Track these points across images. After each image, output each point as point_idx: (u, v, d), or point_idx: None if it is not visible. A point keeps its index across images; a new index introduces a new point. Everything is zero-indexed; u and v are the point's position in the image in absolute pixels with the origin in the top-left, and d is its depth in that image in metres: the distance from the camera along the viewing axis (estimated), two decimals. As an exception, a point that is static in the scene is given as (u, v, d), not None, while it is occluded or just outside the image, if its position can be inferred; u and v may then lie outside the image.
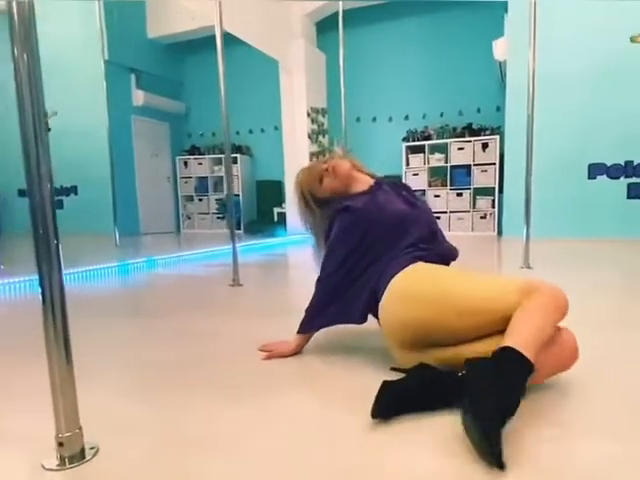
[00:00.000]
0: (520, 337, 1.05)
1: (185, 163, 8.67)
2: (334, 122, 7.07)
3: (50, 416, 0.93)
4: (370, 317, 1.47)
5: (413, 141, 7.03)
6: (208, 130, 8.72)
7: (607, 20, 5.22)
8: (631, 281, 3.04)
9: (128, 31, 7.22)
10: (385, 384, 1.09)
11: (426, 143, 6.91)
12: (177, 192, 8.78)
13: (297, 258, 4.84)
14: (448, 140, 6.80)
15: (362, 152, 6.96)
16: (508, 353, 1.02)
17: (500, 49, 5.98)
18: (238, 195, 8.06)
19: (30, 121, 0.85)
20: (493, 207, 6.58)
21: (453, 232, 6.57)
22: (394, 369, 1.22)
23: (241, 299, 2.73)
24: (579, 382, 1.26)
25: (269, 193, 8.21)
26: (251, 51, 6.19)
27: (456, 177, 6.77)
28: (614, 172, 5.37)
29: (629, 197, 5.34)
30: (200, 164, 8.56)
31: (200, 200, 8.65)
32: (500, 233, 6.34)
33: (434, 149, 6.91)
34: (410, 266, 1.36)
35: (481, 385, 0.97)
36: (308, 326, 1.54)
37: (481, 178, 6.62)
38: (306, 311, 1.54)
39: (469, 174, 6.68)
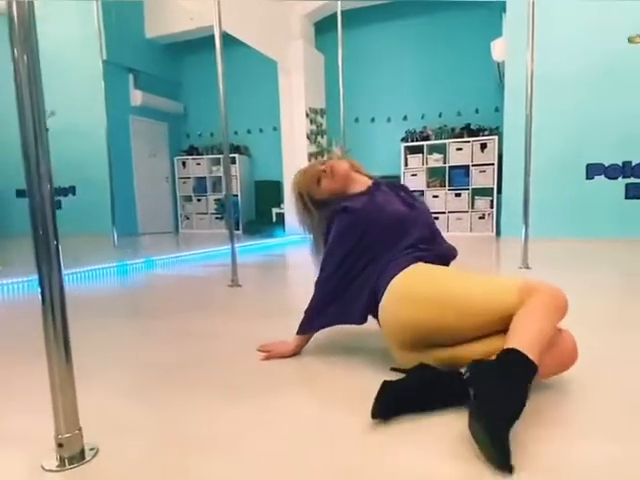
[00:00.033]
0: (523, 338, 1.05)
1: (183, 163, 8.66)
2: (333, 122, 7.07)
3: (50, 417, 0.93)
4: (370, 318, 1.47)
5: (412, 141, 7.03)
6: (206, 130, 8.71)
7: (605, 21, 5.24)
8: (629, 281, 3.05)
9: (126, 31, 7.22)
10: (385, 384, 1.10)
11: (425, 143, 6.92)
12: (175, 192, 8.77)
13: (296, 258, 4.84)
14: (447, 140, 6.81)
15: (361, 152, 6.97)
16: (512, 355, 1.02)
17: (498, 50, 5.99)
18: (236, 195, 8.06)
19: (30, 121, 0.85)
20: (492, 207, 6.59)
21: (452, 232, 6.57)
22: (394, 369, 1.22)
23: (240, 300, 2.73)
24: (578, 382, 1.26)
25: (267, 193, 8.21)
26: (249, 51, 6.18)
27: (455, 177, 6.78)
28: (612, 172, 5.39)
29: (627, 197, 5.36)
30: (198, 164, 8.55)
31: (198, 200, 8.64)
32: (498, 233, 6.35)
33: (432, 149, 6.91)
34: (410, 267, 1.36)
35: (487, 388, 0.97)
36: (307, 327, 1.54)
37: (479, 178, 6.62)
38: (305, 312, 1.54)
39: (467, 174, 6.69)
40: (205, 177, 8.53)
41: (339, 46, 4.86)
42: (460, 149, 6.71)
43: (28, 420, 1.17)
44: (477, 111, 6.96)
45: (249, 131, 8.50)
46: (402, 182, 6.82)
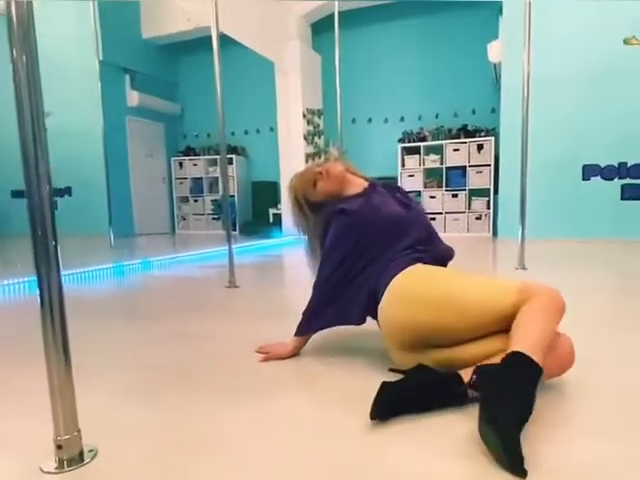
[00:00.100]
0: (527, 341, 1.06)
1: (180, 164, 8.64)
2: (330, 123, 7.08)
3: (48, 418, 0.93)
4: (368, 319, 1.47)
5: (409, 142, 7.05)
6: (203, 131, 8.70)
7: (601, 22, 5.26)
8: (625, 282, 3.06)
9: (123, 31, 7.20)
10: (384, 385, 1.10)
11: (421, 144, 6.93)
12: (172, 193, 8.75)
13: (293, 259, 4.84)
14: (443, 141, 6.82)
15: (358, 153, 6.99)
16: (518, 358, 1.03)
17: (495, 51, 6.01)
18: (233, 196, 8.04)
19: (29, 122, 0.85)
20: (488, 208, 6.60)
21: (448, 233, 6.58)
22: (392, 370, 1.23)
23: (238, 301, 2.73)
24: (576, 383, 1.27)
25: (264, 194, 8.21)
26: (246, 52, 6.18)
27: (451, 178, 6.79)
28: (608, 173, 5.42)
29: (623, 198, 5.38)
30: (195, 165, 8.54)
31: (195, 201, 8.62)
32: (495, 234, 6.37)
33: (429, 150, 6.93)
34: (409, 268, 1.36)
35: (496, 391, 0.97)
36: (306, 328, 1.54)
37: (476, 179, 6.64)
38: (303, 314, 1.54)
39: (464, 175, 6.70)
40: (202, 178, 8.52)
41: (336, 47, 4.86)
42: (457, 150, 6.73)
43: (27, 421, 1.16)
44: (474, 112, 6.99)
45: (246, 132, 8.49)
46: (399, 183, 6.84)
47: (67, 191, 7.63)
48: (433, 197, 6.89)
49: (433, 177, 6.95)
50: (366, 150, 7.48)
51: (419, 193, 6.90)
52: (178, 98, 8.80)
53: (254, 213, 8.40)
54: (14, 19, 0.83)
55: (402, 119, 7.45)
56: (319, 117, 7.49)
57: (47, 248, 0.89)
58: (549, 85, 5.39)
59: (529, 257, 3.47)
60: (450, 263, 1.57)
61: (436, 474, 0.89)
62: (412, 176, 7.00)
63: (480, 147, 6.60)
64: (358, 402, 1.15)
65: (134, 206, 7.90)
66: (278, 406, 1.20)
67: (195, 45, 7.68)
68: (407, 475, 0.89)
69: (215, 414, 1.17)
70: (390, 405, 1.08)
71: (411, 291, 1.30)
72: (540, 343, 1.06)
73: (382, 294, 1.35)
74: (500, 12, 5.81)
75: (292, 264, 4.64)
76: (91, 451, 0.97)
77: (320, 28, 7.28)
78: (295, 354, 1.57)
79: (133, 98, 7.69)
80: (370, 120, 7.66)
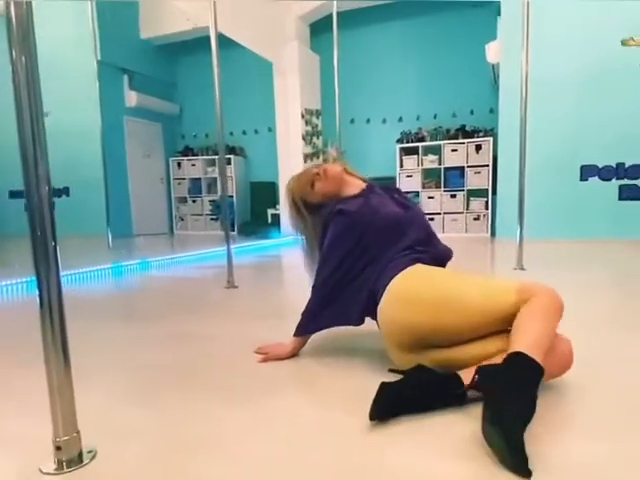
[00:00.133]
0: (528, 341, 1.06)
1: (178, 164, 8.63)
2: (328, 123, 7.08)
3: (48, 419, 0.93)
4: (367, 319, 1.48)
5: (407, 143, 7.05)
6: (201, 131, 8.69)
7: (599, 23, 5.27)
8: (624, 282, 3.07)
9: (121, 32, 7.19)
10: (383, 385, 1.10)
11: (420, 145, 6.93)
12: (170, 193, 8.74)
13: (291, 259, 4.83)
14: (442, 142, 6.82)
15: (356, 154, 6.99)
16: (519, 358, 1.03)
17: (493, 52, 6.02)
18: (232, 196, 8.03)
19: (28, 122, 0.85)
20: (486, 208, 6.61)
21: (447, 233, 6.59)
22: (392, 370, 1.23)
23: (236, 301, 2.72)
24: (576, 382, 1.27)
25: (263, 194, 8.20)
26: (245, 52, 6.18)
27: (450, 179, 6.80)
28: (606, 174, 5.43)
29: (620, 199, 5.40)
30: (193, 165, 8.53)
31: (194, 201, 8.61)
32: (493, 234, 6.37)
33: (428, 151, 6.93)
34: (408, 268, 1.36)
35: (498, 392, 0.97)
36: (304, 329, 1.54)
37: (474, 180, 6.65)
38: (302, 314, 1.54)
39: (463, 176, 6.71)
40: (200, 178, 8.51)
41: (335, 47, 4.86)
42: (455, 150, 6.73)
43: (26, 422, 1.16)
44: (472, 112, 6.99)
45: (244, 132, 8.49)
46: (397, 183, 6.85)
47: (65, 191, 7.61)
48: (431, 197, 6.90)
49: (431, 177, 6.96)
50: (364, 150, 7.48)
51: (417, 193, 6.91)
52: (176, 98, 8.79)
53: (252, 213, 8.39)
54: (13, 20, 0.83)
55: (400, 119, 7.46)
56: (317, 117, 7.49)
57: (46, 249, 0.89)
58: (547, 86, 5.40)
59: (527, 257, 3.48)
60: (448, 264, 1.58)
61: (436, 474, 0.89)
62: (410, 176, 7.00)
63: (478, 147, 6.60)
64: (357, 402, 1.15)
65: (132, 206, 7.88)
66: (277, 406, 1.20)
67: (193, 45, 7.67)
68: (407, 475, 0.89)
69: (214, 414, 1.17)
70: (389, 405, 1.08)
71: (410, 292, 1.30)
72: (541, 343, 1.06)
73: (381, 295, 1.35)
74: (498, 13, 5.82)
75: (291, 264, 4.64)
76: (90, 452, 0.97)
77: (318, 28, 7.28)
78: (294, 355, 1.57)
79: (131, 98, 7.68)
80: (368, 120, 7.66)
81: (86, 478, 0.91)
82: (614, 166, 5.39)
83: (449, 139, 6.84)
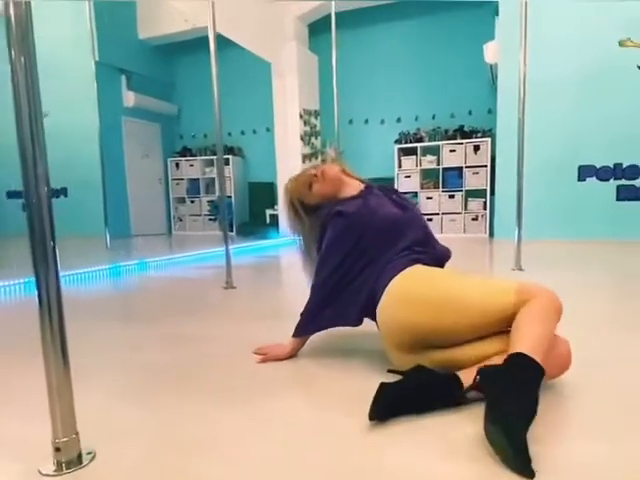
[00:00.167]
0: (529, 342, 1.06)
1: (176, 165, 8.62)
2: (326, 124, 7.08)
3: (47, 420, 0.93)
4: (366, 319, 1.47)
5: (405, 143, 7.05)
6: (200, 131, 8.69)
7: (596, 24, 5.29)
8: (623, 282, 3.08)
9: (119, 32, 7.18)
10: (382, 386, 1.10)
11: (418, 145, 6.94)
12: (168, 194, 8.73)
13: (290, 260, 4.83)
14: (440, 142, 6.83)
15: (354, 154, 6.99)
16: (520, 359, 1.03)
17: (491, 52, 6.03)
18: (230, 197, 8.03)
19: (27, 122, 0.85)
20: (485, 209, 6.62)
21: (445, 234, 6.60)
22: (391, 371, 1.23)
23: (235, 302, 2.72)
24: (576, 382, 1.27)
25: (261, 195, 8.19)
26: (243, 53, 6.18)
27: (448, 179, 6.81)
28: (603, 174, 5.44)
29: (618, 199, 5.41)
30: (192, 166, 8.52)
31: (192, 202, 8.60)
32: (492, 235, 6.38)
33: (426, 151, 6.93)
34: (408, 269, 1.37)
35: (500, 393, 0.97)
36: (303, 330, 1.54)
37: (473, 180, 6.66)
38: (301, 315, 1.53)
39: (461, 176, 6.72)
40: (198, 179, 8.50)
41: (333, 47, 4.87)
42: (453, 151, 6.74)
43: (25, 424, 1.16)
44: (470, 113, 7.00)
45: (243, 132, 8.48)
46: (396, 184, 6.86)
47: (63, 192, 7.60)
48: (430, 198, 6.90)
49: (430, 178, 6.96)
50: (363, 151, 7.49)
51: (416, 194, 6.91)
52: (175, 99, 8.78)
53: (251, 214, 8.38)
54: (12, 20, 0.82)
55: (399, 120, 7.46)
56: (316, 118, 7.49)
57: (45, 249, 0.88)
58: (545, 86, 5.41)
59: (525, 258, 3.48)
60: (447, 264, 1.58)
61: (436, 474, 0.89)
62: (409, 177, 7.00)
63: (477, 148, 6.61)
64: (356, 403, 1.15)
65: (130, 207, 7.88)
66: (275, 407, 1.20)
67: (192, 46, 7.67)
68: (407, 476, 0.89)
69: (212, 415, 1.17)
70: (389, 406, 1.08)
71: (410, 292, 1.31)
72: (541, 344, 1.07)
73: (380, 295, 1.35)
74: (496, 13, 5.82)
75: (289, 265, 4.64)
76: (89, 453, 0.97)
77: (317, 29, 7.28)
78: (293, 355, 1.56)
79: (129, 99, 7.67)
80: (367, 121, 7.67)
81: (85, 479, 0.91)
82: (612, 167, 5.40)
83: (447, 139, 6.84)
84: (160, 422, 1.15)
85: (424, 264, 1.41)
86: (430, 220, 6.63)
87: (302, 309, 1.54)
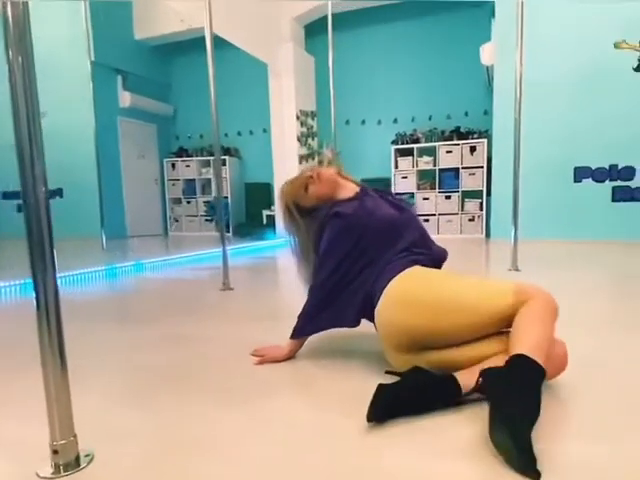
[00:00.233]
0: (529, 343, 1.07)
1: (173, 165, 8.61)
2: (323, 125, 7.09)
3: (44, 423, 0.92)
4: (363, 320, 1.47)
5: (402, 144, 7.06)
6: (196, 132, 8.67)
7: (592, 25, 5.31)
8: (620, 282, 3.09)
9: (115, 32, 7.17)
10: (380, 387, 1.10)
11: (415, 146, 6.95)
12: (164, 194, 8.71)
13: (287, 261, 4.82)
14: (436, 143, 6.85)
15: (351, 155, 7.00)
16: (522, 360, 1.03)
17: (487, 54, 6.05)
18: (227, 198, 8.02)
19: (25, 123, 0.84)
20: (481, 210, 6.63)
21: (442, 235, 6.61)
22: (389, 372, 1.23)
23: (232, 303, 2.71)
24: (575, 383, 1.28)
25: (258, 195, 8.19)
26: (240, 54, 6.17)
27: (444, 180, 6.82)
28: (599, 175, 5.47)
29: (614, 200, 5.43)
30: (188, 166, 8.50)
31: (188, 203, 8.59)
32: (488, 235, 6.40)
33: (423, 152, 6.95)
34: (406, 270, 1.37)
35: (503, 394, 0.97)
36: (301, 331, 1.54)
37: (469, 181, 6.67)
38: (299, 317, 1.53)
39: (457, 177, 6.73)
40: (194, 179, 8.48)
41: (330, 48, 4.87)
42: (450, 152, 6.75)
43: (22, 426, 1.15)
44: (467, 114, 7.02)
45: (239, 133, 8.47)
46: (392, 184, 6.88)
47: (58, 193, 7.56)
48: (426, 199, 6.91)
49: (426, 179, 6.97)
50: (359, 152, 7.50)
51: (412, 195, 6.92)
52: (171, 99, 8.77)
53: (247, 215, 8.38)
54: (10, 20, 0.82)
55: (395, 121, 7.48)
56: (312, 119, 7.49)
57: (43, 250, 0.88)
58: (541, 87, 5.43)
59: (522, 258, 3.49)
60: (443, 265, 1.58)
61: (436, 474, 0.89)
62: (405, 178, 7.01)
63: (473, 149, 6.63)
64: (354, 404, 1.15)
65: (126, 208, 7.85)
66: (273, 409, 1.20)
67: (188, 46, 7.66)
68: (405, 476, 0.89)
69: (210, 416, 1.17)
70: (387, 407, 1.08)
71: (407, 295, 1.31)
72: (541, 345, 1.07)
73: (379, 297, 1.35)
74: (493, 14, 5.85)
75: (286, 266, 4.63)
76: (87, 456, 0.96)
77: (313, 30, 7.29)
78: (291, 357, 1.56)
79: (125, 99, 7.65)
80: (363, 122, 7.68)
81: (83, 482, 0.90)
82: (607, 168, 5.42)
83: (444, 140, 6.86)
84: (159, 423, 1.14)
85: (423, 265, 1.42)
86: (427, 221, 6.64)
87: (300, 311, 1.53)
